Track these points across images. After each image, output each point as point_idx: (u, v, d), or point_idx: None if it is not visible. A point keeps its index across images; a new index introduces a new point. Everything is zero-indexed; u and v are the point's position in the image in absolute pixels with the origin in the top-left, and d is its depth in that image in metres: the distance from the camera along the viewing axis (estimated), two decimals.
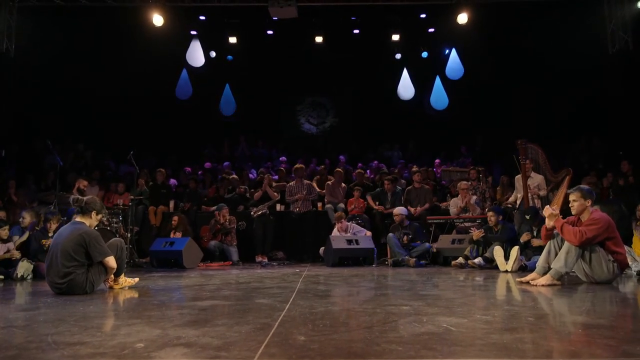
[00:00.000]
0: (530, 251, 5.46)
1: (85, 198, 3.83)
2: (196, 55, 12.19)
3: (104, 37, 10.62)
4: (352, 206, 7.88)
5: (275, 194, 8.02)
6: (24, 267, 5.08)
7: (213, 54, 12.69)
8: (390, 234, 6.61)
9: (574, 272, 3.94)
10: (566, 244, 3.81)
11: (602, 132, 10.17)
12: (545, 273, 3.88)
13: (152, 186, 8.40)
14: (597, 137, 10.19)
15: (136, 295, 3.53)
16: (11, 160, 9.78)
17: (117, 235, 6.21)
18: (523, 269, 5.11)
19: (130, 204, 7.34)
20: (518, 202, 6.76)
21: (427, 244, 6.58)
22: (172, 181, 9.32)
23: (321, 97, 14.11)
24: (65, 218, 5.75)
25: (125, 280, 3.93)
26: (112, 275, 3.78)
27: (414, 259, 6.23)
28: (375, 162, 11.05)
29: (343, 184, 8.43)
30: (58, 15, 9.93)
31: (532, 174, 6.66)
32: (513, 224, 6.23)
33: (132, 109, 11.65)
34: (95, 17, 10.19)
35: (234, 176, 8.94)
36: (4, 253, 5.28)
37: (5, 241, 5.40)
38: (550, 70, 10.77)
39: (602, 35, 10.03)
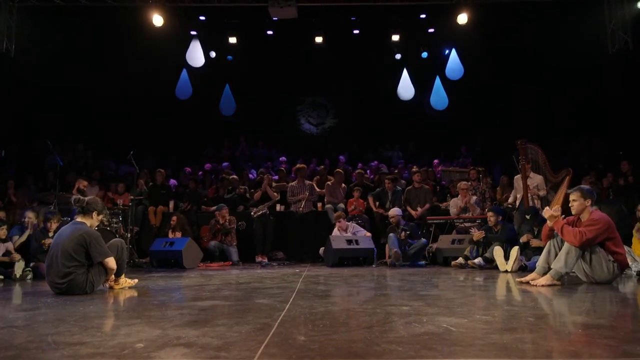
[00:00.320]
0: (530, 251, 5.46)
1: (86, 198, 3.83)
2: (196, 55, 12.19)
3: (104, 37, 10.62)
4: (352, 206, 7.89)
5: (275, 194, 8.02)
6: (20, 267, 5.08)
7: (213, 54, 12.69)
8: (391, 234, 6.62)
9: (574, 272, 3.93)
10: (566, 244, 3.81)
11: (602, 132, 10.17)
12: (545, 273, 3.87)
13: (151, 187, 8.40)
14: (597, 137, 10.19)
15: (136, 295, 3.53)
16: (11, 160, 9.78)
17: (117, 236, 6.21)
18: (523, 269, 5.11)
19: (130, 204, 7.34)
20: (517, 202, 6.77)
21: (423, 240, 6.66)
22: (172, 181, 9.32)
23: (321, 97, 14.10)
24: (67, 218, 5.75)
25: (126, 281, 3.93)
26: (113, 276, 3.78)
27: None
28: (376, 162, 11.05)
29: (343, 184, 8.43)
30: (58, 15, 9.94)
31: (531, 174, 6.66)
32: (513, 224, 6.23)
33: (132, 109, 11.65)
34: (95, 17, 10.20)
35: (234, 176, 8.94)
36: (3, 255, 5.27)
37: (4, 241, 5.39)
38: (550, 70, 10.77)
39: (602, 35, 10.03)
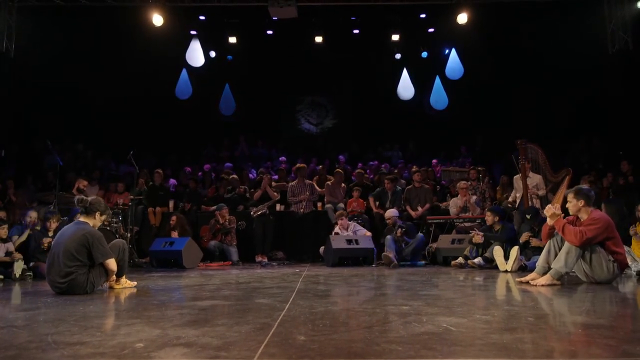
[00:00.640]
0: (530, 251, 5.46)
1: (89, 198, 3.83)
2: (196, 55, 12.19)
3: (104, 37, 10.62)
4: (352, 206, 7.88)
5: (275, 193, 8.02)
6: (20, 267, 5.07)
7: (213, 54, 12.69)
8: (388, 236, 6.58)
9: (573, 272, 3.93)
10: (566, 244, 3.81)
11: (602, 132, 10.16)
12: (545, 273, 3.87)
13: (150, 187, 8.39)
14: (597, 137, 10.19)
15: (136, 295, 3.54)
16: (11, 160, 9.78)
17: (117, 236, 6.21)
18: (523, 269, 5.10)
19: (130, 204, 7.34)
20: (517, 202, 6.77)
21: (420, 235, 6.68)
22: (172, 181, 9.32)
23: (321, 97, 14.09)
24: (66, 218, 5.75)
25: (126, 282, 3.93)
26: (114, 275, 3.78)
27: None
28: (376, 162, 11.05)
29: (343, 184, 8.43)
30: (58, 15, 9.94)
31: (531, 174, 6.66)
32: (513, 224, 6.23)
33: (131, 109, 11.64)
34: (95, 17, 10.19)
35: (234, 176, 8.93)
36: (4, 255, 5.27)
37: (4, 241, 5.39)
38: (550, 70, 10.77)
39: (602, 35, 10.03)
